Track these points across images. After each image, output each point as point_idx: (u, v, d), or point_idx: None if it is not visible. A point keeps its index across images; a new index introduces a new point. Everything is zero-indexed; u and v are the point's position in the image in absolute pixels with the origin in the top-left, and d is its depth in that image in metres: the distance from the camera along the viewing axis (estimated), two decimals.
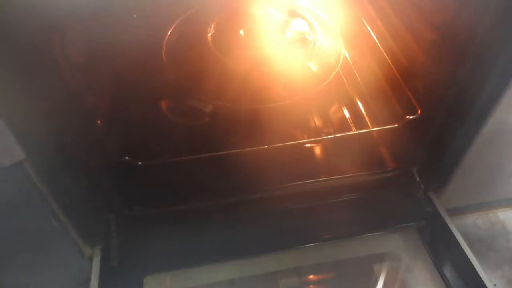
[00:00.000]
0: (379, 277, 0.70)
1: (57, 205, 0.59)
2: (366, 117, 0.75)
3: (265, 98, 0.65)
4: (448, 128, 0.64)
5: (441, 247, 0.72)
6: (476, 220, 0.93)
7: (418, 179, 0.73)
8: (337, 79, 0.78)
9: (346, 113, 0.76)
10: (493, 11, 0.48)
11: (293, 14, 0.76)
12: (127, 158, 0.60)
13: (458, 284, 0.69)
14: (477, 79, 0.56)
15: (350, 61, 0.81)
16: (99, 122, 0.59)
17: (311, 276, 0.68)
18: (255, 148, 0.63)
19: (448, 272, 0.71)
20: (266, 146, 0.62)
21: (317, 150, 0.74)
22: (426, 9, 0.63)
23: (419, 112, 0.65)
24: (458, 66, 0.57)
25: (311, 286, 0.68)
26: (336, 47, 0.75)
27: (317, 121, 0.75)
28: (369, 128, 0.72)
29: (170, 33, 0.73)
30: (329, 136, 0.69)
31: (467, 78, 0.57)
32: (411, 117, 0.65)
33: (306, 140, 0.67)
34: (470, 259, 0.70)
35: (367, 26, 0.80)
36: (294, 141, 0.68)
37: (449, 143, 0.66)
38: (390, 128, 0.67)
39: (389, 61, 0.73)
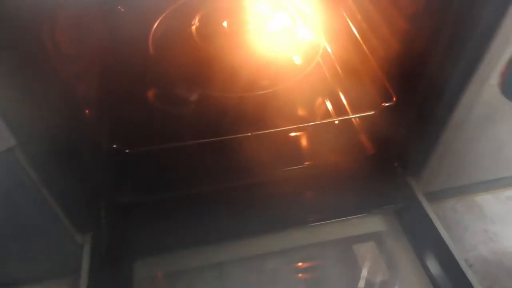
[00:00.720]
0: (360, 257, 0.73)
1: (48, 193, 0.60)
2: (346, 105, 0.78)
3: (248, 86, 0.67)
4: (422, 115, 0.67)
5: (418, 229, 0.76)
6: (455, 205, 0.97)
7: (396, 164, 0.76)
8: (319, 71, 0.81)
9: (328, 103, 0.79)
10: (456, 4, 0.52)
11: (275, 6, 0.79)
12: (115, 146, 0.62)
13: (434, 264, 0.72)
14: (446, 68, 0.59)
15: (331, 52, 0.84)
16: (87, 111, 0.61)
17: (295, 258, 0.71)
18: (239, 135, 0.65)
19: (425, 253, 0.74)
20: (249, 134, 0.64)
21: (300, 137, 0.76)
22: (400, 1, 0.66)
23: (394, 99, 0.68)
24: (429, 55, 0.60)
25: (295, 267, 0.71)
26: (316, 38, 0.78)
27: (300, 110, 0.78)
28: (348, 115, 0.76)
29: (156, 25, 0.75)
30: (310, 124, 0.72)
31: (437, 67, 0.60)
32: (387, 104, 0.68)
33: (288, 128, 0.70)
34: (445, 239, 0.74)
35: (347, 19, 0.83)
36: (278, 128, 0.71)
37: (423, 129, 0.69)
38: (367, 115, 0.70)
39: (367, 52, 0.76)
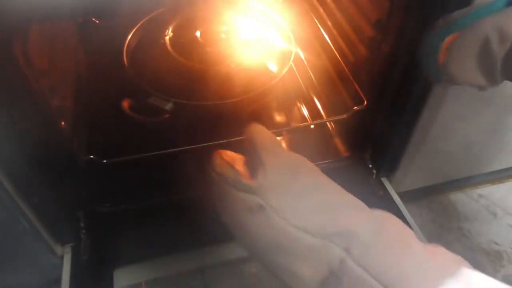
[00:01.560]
0: None
1: (25, 205, 0.60)
2: (320, 109, 0.80)
3: (223, 94, 0.69)
4: (392, 116, 0.70)
5: None
6: (429, 204, 1.00)
7: (370, 165, 0.78)
8: (292, 77, 0.83)
9: (302, 107, 0.81)
10: (416, 12, 0.54)
11: (248, 15, 0.81)
12: (92, 157, 0.63)
13: None
14: (412, 71, 0.61)
15: (303, 58, 0.86)
16: (63, 123, 0.62)
17: None
18: (216, 142, 0.66)
19: None
20: (225, 140, 0.66)
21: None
22: (365, 9, 0.69)
23: (365, 102, 0.70)
24: (395, 59, 0.63)
25: None
26: (288, 44, 0.80)
27: (275, 115, 0.80)
28: (322, 119, 0.78)
29: (131, 36, 0.76)
30: (285, 129, 0.74)
31: (404, 70, 0.63)
32: (358, 107, 0.70)
33: None
34: (420, 238, 0.76)
35: (319, 26, 0.85)
36: None
37: (393, 130, 0.71)
38: (339, 118, 0.72)
39: (339, 57, 0.78)
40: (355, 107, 0.71)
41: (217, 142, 0.66)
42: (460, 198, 1.00)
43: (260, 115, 0.77)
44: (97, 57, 0.72)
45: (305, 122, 0.78)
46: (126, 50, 0.73)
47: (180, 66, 0.72)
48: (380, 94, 0.68)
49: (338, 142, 0.80)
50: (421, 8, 0.53)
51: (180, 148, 0.66)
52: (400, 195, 0.83)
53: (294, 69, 0.84)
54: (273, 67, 0.76)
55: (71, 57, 0.67)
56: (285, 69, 0.72)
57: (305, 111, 0.80)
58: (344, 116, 0.71)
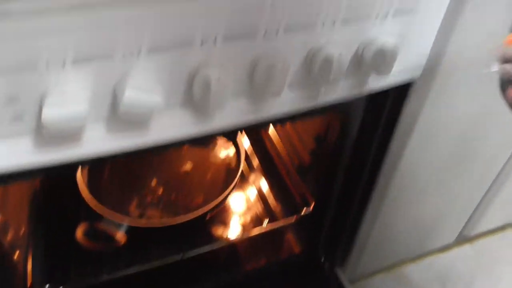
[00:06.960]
0: None
1: None
2: (271, 210, 0.82)
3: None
4: (340, 213, 0.73)
5: None
6: (384, 279, 1.03)
7: (323, 259, 0.82)
8: (242, 179, 0.85)
9: (256, 207, 0.83)
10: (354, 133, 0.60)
11: None
12: (48, 285, 0.62)
13: None
14: (353, 176, 0.67)
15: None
16: (17, 253, 0.61)
17: None
18: (170, 260, 0.68)
19: None
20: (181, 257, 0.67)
21: (229, 249, 0.80)
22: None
23: (312, 204, 0.74)
24: (335, 167, 0.68)
25: None
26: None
27: (228, 219, 0.81)
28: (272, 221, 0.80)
29: None
30: (240, 238, 0.76)
31: (345, 177, 0.68)
32: (305, 211, 0.74)
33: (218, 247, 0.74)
34: None
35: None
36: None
37: (343, 224, 0.74)
38: (288, 224, 0.76)
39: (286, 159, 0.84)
40: (304, 209, 0.75)
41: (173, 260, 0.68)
42: (412, 269, 1.03)
43: (215, 223, 0.79)
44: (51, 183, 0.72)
45: (258, 222, 0.80)
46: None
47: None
48: (327, 194, 0.72)
49: (289, 239, 0.83)
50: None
51: (140, 270, 0.66)
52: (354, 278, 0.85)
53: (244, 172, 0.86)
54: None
55: (25, 189, 0.67)
56: (237, 176, 0.74)
57: (257, 211, 0.82)
58: (292, 221, 0.75)
